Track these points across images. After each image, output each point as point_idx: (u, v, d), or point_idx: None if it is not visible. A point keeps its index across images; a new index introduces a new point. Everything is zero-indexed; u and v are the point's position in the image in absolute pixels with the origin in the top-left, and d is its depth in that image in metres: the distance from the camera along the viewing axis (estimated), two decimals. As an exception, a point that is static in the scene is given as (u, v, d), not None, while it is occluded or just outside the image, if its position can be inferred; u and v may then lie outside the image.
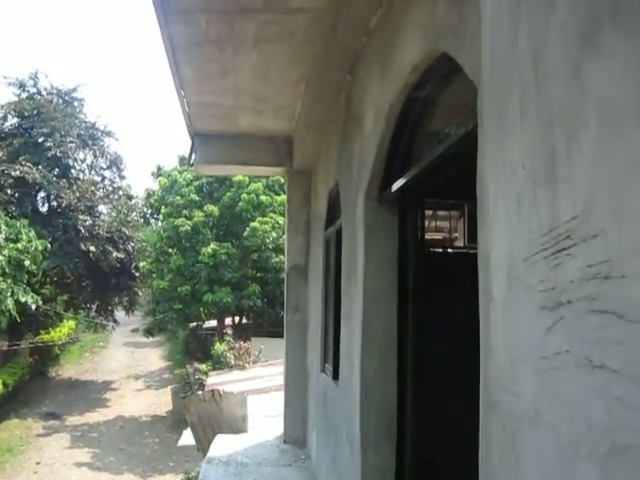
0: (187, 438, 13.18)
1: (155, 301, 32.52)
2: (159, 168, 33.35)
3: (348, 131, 5.61)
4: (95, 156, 34.84)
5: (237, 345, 24.57)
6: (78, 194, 31.10)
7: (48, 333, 32.60)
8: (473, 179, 2.09)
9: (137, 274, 33.50)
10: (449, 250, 6.38)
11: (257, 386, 15.26)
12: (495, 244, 1.84)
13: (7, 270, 22.43)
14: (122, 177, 36.44)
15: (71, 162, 33.26)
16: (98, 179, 35.41)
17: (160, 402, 29.14)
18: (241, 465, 7.72)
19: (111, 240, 31.29)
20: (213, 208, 29.30)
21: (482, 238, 1.99)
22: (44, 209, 32.21)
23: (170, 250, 30.79)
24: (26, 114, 31.62)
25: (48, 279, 32.12)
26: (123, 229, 32.19)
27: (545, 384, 1.46)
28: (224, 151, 8.39)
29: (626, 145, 1.14)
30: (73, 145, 32.60)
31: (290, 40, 5.43)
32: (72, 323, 37.46)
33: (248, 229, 28.09)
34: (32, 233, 24.69)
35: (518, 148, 1.64)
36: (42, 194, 31.77)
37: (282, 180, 22.64)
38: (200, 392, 13.13)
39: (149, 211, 35.29)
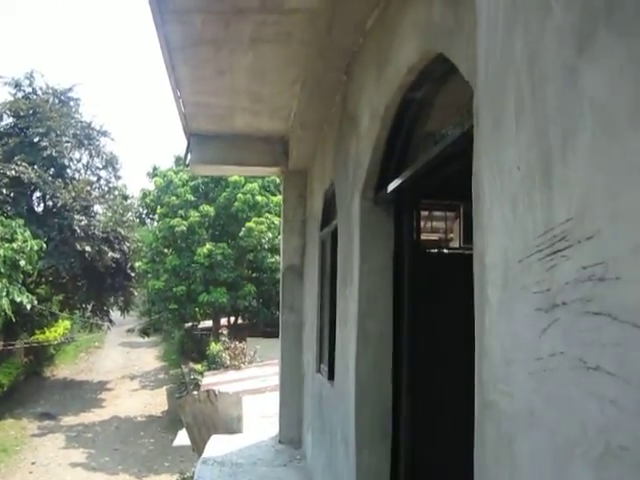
0: (182, 438, 13.18)
1: (150, 301, 32.47)
2: (155, 168, 33.34)
3: (344, 131, 5.61)
4: (91, 156, 34.82)
5: (232, 345, 24.52)
6: (74, 194, 31.03)
7: (43, 333, 32.51)
8: (469, 180, 2.09)
9: (133, 274, 33.44)
10: (445, 251, 6.38)
11: (252, 386, 15.22)
12: (490, 245, 1.84)
13: (2, 270, 22.36)
14: (118, 177, 36.44)
15: (67, 162, 33.23)
16: (94, 179, 35.37)
17: (155, 402, 29.10)
18: (236, 465, 7.71)
19: (107, 240, 31.23)
20: (209, 208, 29.29)
21: (477, 239, 1.99)
22: (39, 209, 32.15)
23: (166, 250, 30.77)
24: (22, 114, 31.56)
25: (43, 279, 32.07)
26: (119, 229, 32.14)
27: (540, 385, 1.47)
28: (220, 151, 8.38)
29: (621, 146, 1.14)
30: (69, 145, 32.54)
31: (286, 40, 5.42)
32: (67, 323, 37.37)
33: (244, 229, 28.09)
34: (27, 233, 24.62)
35: (513, 149, 1.64)
36: (37, 194, 31.74)
37: (278, 180, 22.63)
38: (195, 392, 13.10)
39: (145, 211, 35.27)
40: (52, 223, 29.78)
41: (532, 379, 1.51)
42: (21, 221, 25.10)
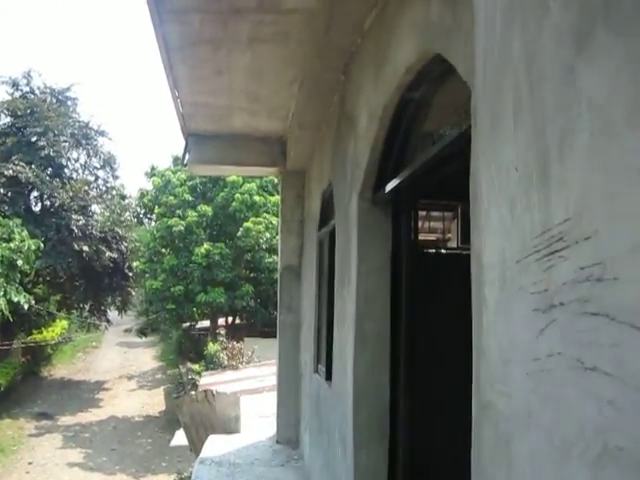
0: (180, 438, 13.15)
1: (148, 301, 32.44)
2: (153, 168, 33.30)
3: (342, 132, 5.61)
4: (88, 155, 34.79)
5: (230, 345, 24.54)
6: (71, 193, 30.99)
7: (41, 333, 32.50)
8: (467, 180, 2.09)
9: (130, 274, 33.42)
10: (442, 251, 6.39)
11: (250, 386, 15.24)
12: (488, 245, 1.84)
13: (0, 269, 22.36)
14: (115, 177, 36.41)
15: (64, 161, 33.21)
16: (91, 179, 35.32)
17: (153, 402, 29.08)
18: (234, 465, 7.71)
19: (104, 240, 31.19)
20: (206, 208, 29.28)
21: (475, 239, 1.99)
22: (37, 208, 32.11)
23: (163, 250, 30.74)
24: (19, 113, 31.51)
25: (41, 279, 32.03)
26: (116, 229, 32.10)
27: (537, 386, 1.46)
28: (218, 151, 8.38)
29: (619, 146, 1.14)
30: (66, 144, 32.52)
31: (284, 40, 5.42)
32: (65, 323, 37.35)
33: (241, 229, 28.07)
34: (25, 232, 24.63)
35: (511, 150, 1.64)
36: (35, 193, 31.68)
37: (276, 180, 22.62)
38: (193, 392, 13.10)
39: (142, 211, 35.23)
40: (50, 223, 29.74)
41: (529, 379, 1.50)
42: (18, 221, 25.10)
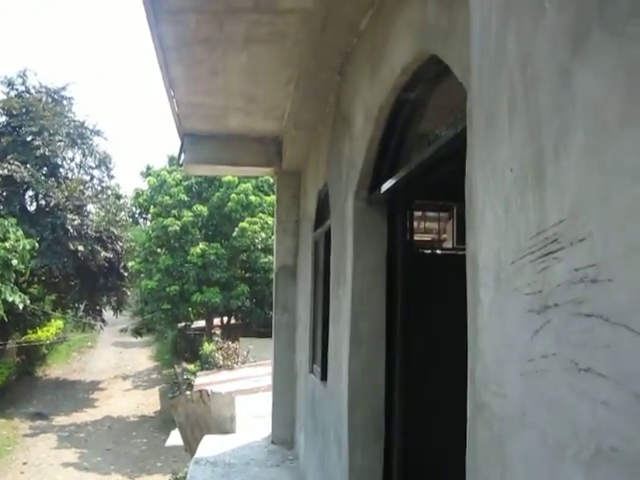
0: (175, 438, 13.15)
1: (143, 301, 32.44)
2: (148, 168, 33.30)
3: (337, 132, 5.61)
4: (84, 155, 34.70)
5: (225, 345, 24.53)
6: (66, 193, 30.92)
7: (36, 333, 32.40)
8: (462, 181, 2.09)
9: (125, 274, 33.35)
10: (438, 251, 6.39)
11: (245, 386, 15.24)
12: (483, 246, 1.84)
13: (-6, 269, 22.33)
14: (111, 176, 36.33)
15: (60, 161, 33.12)
16: (87, 178, 35.23)
17: (148, 402, 29.03)
18: (229, 466, 7.70)
19: (99, 240, 31.13)
20: (202, 208, 29.26)
21: (470, 240, 1.99)
22: (32, 208, 32.03)
23: (159, 250, 30.72)
24: (14, 112, 31.40)
25: (36, 278, 31.93)
26: (112, 229, 32.03)
27: (532, 387, 1.46)
28: (214, 151, 8.38)
29: (614, 148, 1.14)
30: (62, 144, 32.41)
31: (280, 40, 5.42)
32: (60, 323, 37.25)
33: (237, 229, 28.07)
34: (20, 232, 24.55)
35: (506, 151, 1.64)
36: (30, 193, 31.60)
37: (271, 180, 22.63)
38: (188, 392, 13.08)
39: (138, 211, 35.23)
40: (45, 222, 29.67)
41: (524, 380, 1.51)
42: (13, 220, 25.02)
